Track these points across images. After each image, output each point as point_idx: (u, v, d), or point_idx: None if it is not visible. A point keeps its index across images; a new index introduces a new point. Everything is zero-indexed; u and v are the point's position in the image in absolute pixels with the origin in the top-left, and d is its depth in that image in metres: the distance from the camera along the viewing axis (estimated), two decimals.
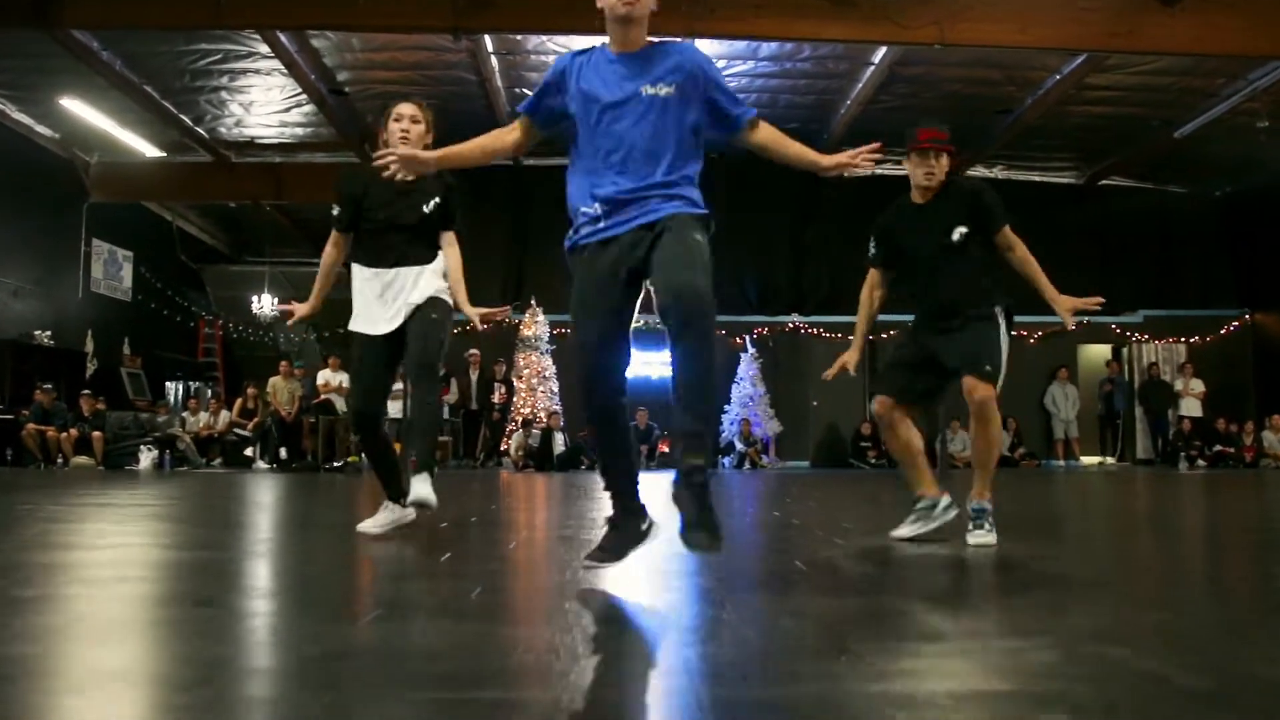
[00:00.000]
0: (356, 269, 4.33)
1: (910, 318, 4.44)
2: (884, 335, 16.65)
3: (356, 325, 4.29)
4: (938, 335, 4.22)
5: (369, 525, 4.22)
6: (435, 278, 4.27)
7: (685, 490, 2.68)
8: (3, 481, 10.05)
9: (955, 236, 4.16)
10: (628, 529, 3.02)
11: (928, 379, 4.28)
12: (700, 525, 2.64)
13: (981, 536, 4.05)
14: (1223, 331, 17.28)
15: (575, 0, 10.63)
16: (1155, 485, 10.70)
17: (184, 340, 20.55)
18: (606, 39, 2.97)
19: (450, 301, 4.33)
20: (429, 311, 4.21)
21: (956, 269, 4.18)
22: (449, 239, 4.35)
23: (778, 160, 3.15)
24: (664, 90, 2.87)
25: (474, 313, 4.39)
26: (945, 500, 4.24)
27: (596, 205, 2.86)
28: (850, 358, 4.38)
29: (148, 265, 18.92)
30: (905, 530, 4.22)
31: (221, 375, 20.71)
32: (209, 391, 18.34)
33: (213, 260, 21.89)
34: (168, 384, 18.89)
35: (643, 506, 3.05)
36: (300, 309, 4.50)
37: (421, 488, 3.99)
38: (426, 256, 4.28)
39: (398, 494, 4.23)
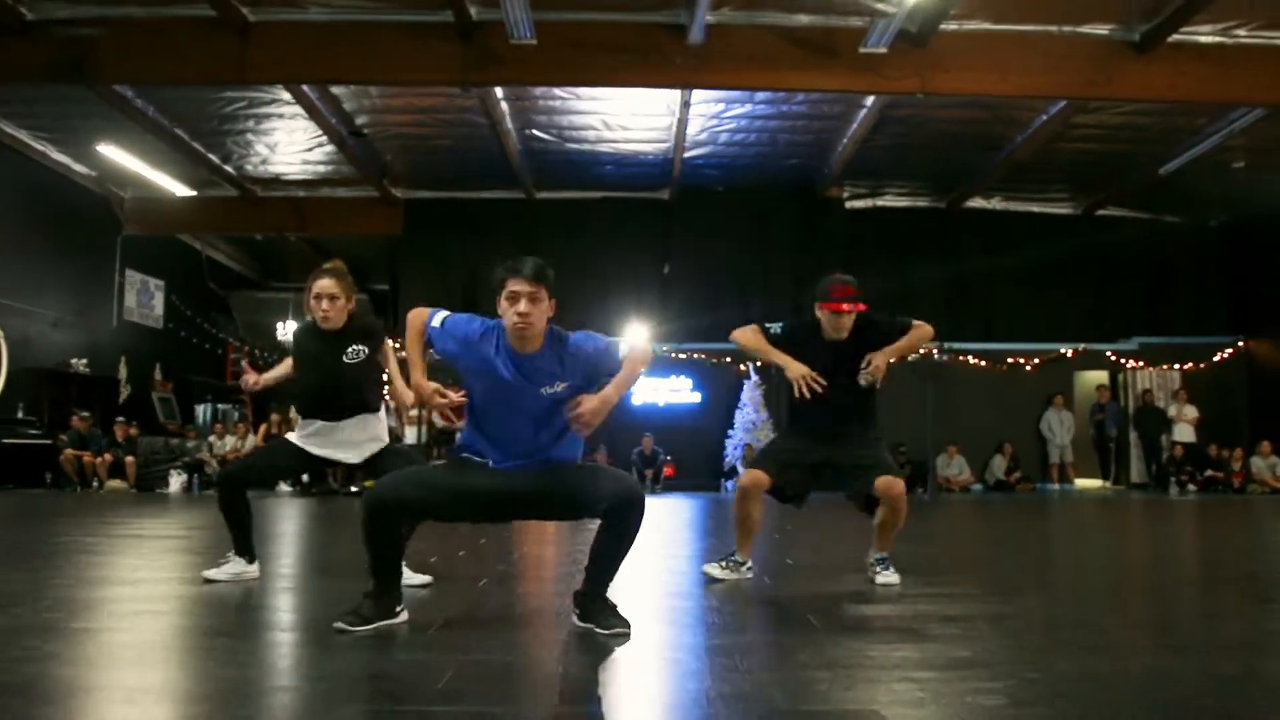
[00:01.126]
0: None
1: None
2: None
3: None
4: (831, 445, 4.75)
5: (214, 572, 4.66)
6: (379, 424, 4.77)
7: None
8: (44, 505, 10.81)
9: (863, 382, 4.68)
10: (384, 605, 3.50)
11: (810, 482, 4.86)
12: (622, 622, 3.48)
13: (888, 576, 4.69)
14: (1216, 359, 17.68)
15: (575, 58, 11.46)
16: (1158, 512, 11.15)
17: (213, 365, 21.38)
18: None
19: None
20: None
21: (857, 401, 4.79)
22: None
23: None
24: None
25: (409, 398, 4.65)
26: (750, 563, 4.97)
27: None
28: (803, 369, 4.69)
29: (178, 293, 19.77)
30: (716, 571, 4.89)
31: (249, 399, 21.50)
32: (235, 415, 19.11)
33: (240, 286, 22.76)
34: (197, 408, 19.69)
35: (400, 594, 3.59)
36: (256, 378, 5.02)
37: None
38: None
39: (246, 550, 4.70)
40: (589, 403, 3.48)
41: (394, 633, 3.41)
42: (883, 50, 11.16)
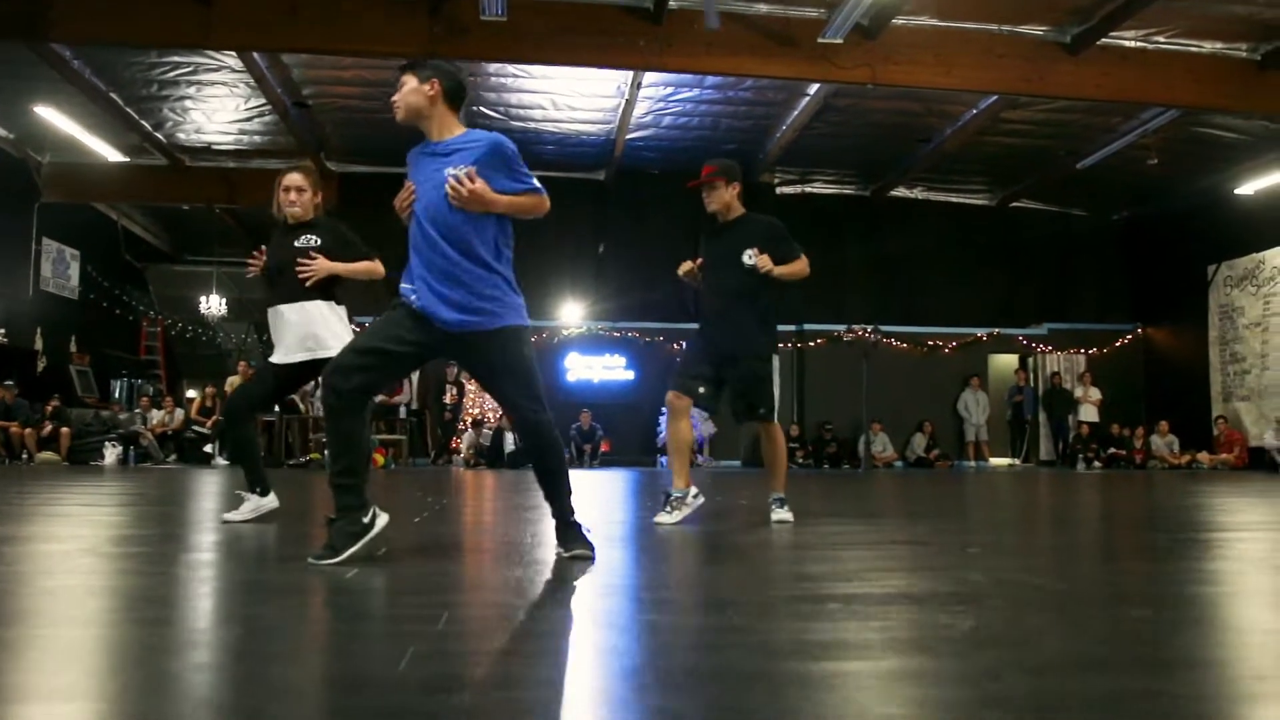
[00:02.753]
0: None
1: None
2: (812, 344, 17.82)
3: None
4: (721, 344, 5.22)
5: (234, 515, 4.78)
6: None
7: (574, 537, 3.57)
8: None
9: (746, 262, 5.10)
10: (354, 523, 3.38)
11: (716, 394, 5.26)
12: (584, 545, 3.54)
13: (782, 515, 5.19)
14: (1118, 344, 18.86)
15: (547, 35, 11.63)
16: (1061, 483, 11.95)
17: (128, 338, 20.81)
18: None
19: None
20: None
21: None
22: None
23: None
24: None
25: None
26: (694, 490, 5.19)
27: None
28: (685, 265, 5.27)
29: (94, 264, 19.18)
30: (665, 518, 4.99)
31: (163, 373, 21.01)
32: (150, 390, 18.67)
33: (156, 260, 22.14)
34: (112, 382, 19.17)
35: (367, 501, 3.42)
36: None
37: None
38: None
39: (259, 483, 4.85)
40: (479, 182, 3.37)
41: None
42: (839, 41, 11.63)
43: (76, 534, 4.57)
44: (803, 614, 2.61)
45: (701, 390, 5.14)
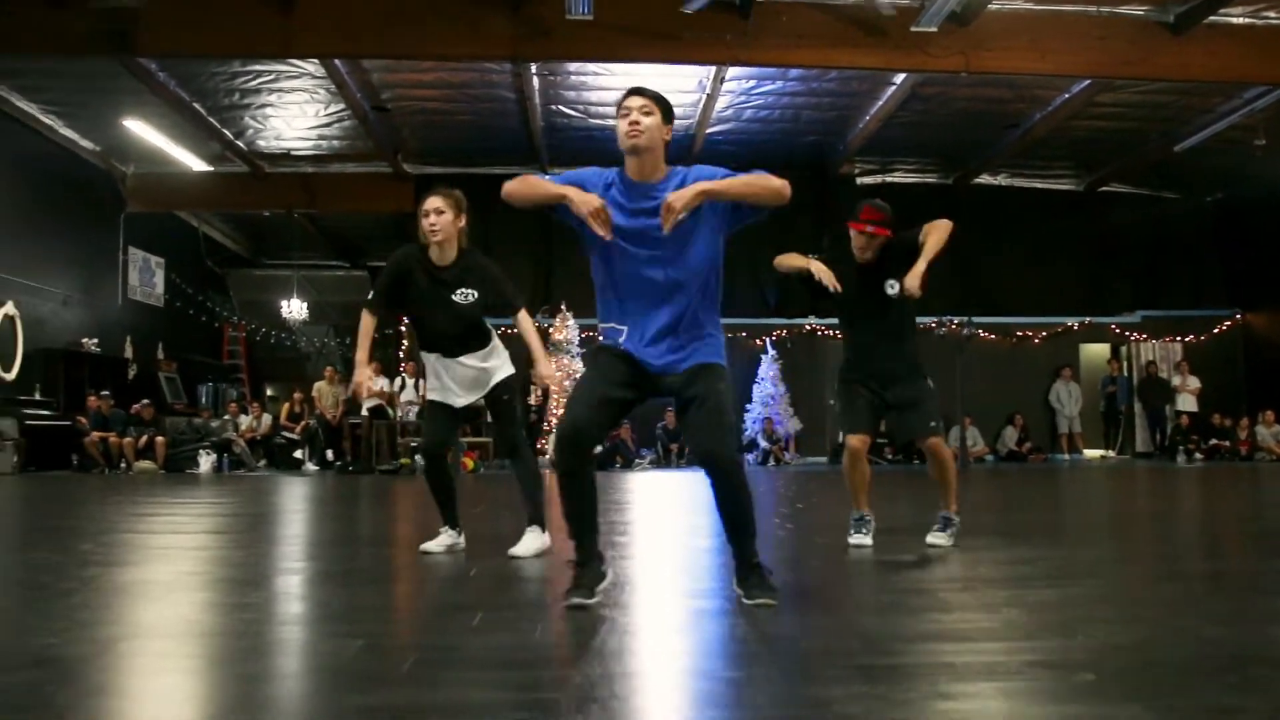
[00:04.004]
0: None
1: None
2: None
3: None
4: (879, 376, 5.02)
5: (431, 545, 4.78)
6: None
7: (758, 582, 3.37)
8: (96, 489, 10.63)
9: (889, 292, 4.93)
10: (593, 569, 3.40)
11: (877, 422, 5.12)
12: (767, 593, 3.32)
13: (936, 538, 5.00)
14: (1215, 331, 18.18)
15: (626, 32, 11.44)
16: (1163, 479, 11.51)
17: (211, 344, 21.13)
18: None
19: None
20: (502, 393, 4.89)
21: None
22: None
23: None
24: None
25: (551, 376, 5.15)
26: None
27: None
28: (819, 266, 4.87)
29: (178, 271, 19.47)
30: (865, 540, 4.96)
31: (246, 378, 21.30)
32: (233, 394, 18.89)
33: (237, 265, 22.44)
34: (198, 387, 19.43)
35: (601, 553, 3.47)
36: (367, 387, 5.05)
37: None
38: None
39: (454, 521, 4.84)
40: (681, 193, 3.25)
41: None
42: (932, 29, 11.29)
43: (185, 571, 4.51)
44: (827, 679, 2.45)
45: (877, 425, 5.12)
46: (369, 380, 5.02)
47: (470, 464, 14.18)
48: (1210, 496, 9.11)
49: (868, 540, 4.98)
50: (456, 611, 3.38)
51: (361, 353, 4.84)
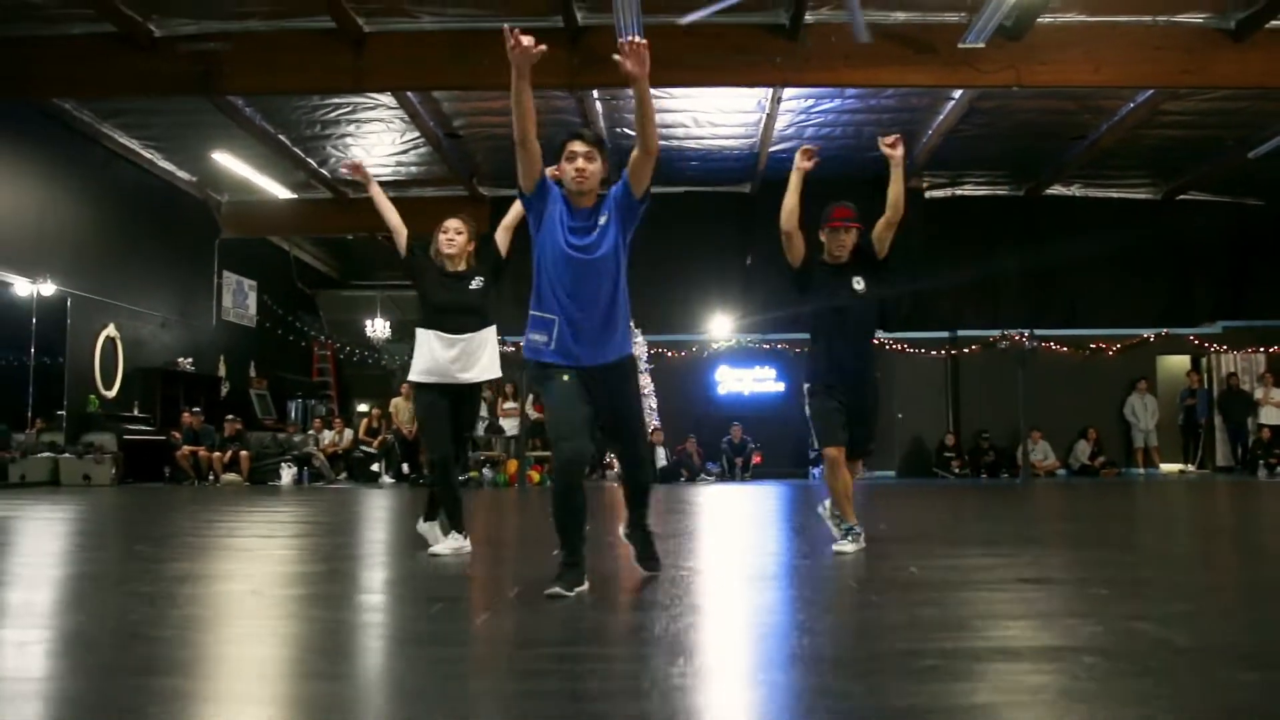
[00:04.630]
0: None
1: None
2: (966, 350, 17.34)
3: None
4: (851, 381, 5.30)
5: (439, 548, 5.19)
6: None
7: (638, 533, 4.24)
8: (185, 499, 11.36)
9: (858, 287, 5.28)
10: (577, 571, 3.80)
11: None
12: (649, 557, 4.28)
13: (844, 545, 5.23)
14: None
15: (683, 57, 11.78)
16: (1242, 494, 11.28)
17: (300, 362, 22.09)
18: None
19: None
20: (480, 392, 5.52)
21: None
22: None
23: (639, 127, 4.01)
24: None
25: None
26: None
27: None
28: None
29: (270, 293, 20.47)
30: (850, 547, 5.18)
31: (334, 394, 22.21)
32: (321, 410, 19.74)
33: (325, 286, 23.44)
34: (288, 403, 20.37)
35: (584, 558, 3.84)
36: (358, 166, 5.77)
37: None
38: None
39: (460, 526, 5.22)
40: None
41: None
42: (980, 45, 11.37)
43: (254, 571, 4.97)
44: (902, 672, 2.64)
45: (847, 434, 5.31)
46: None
47: (536, 476, 14.62)
48: (1271, 518, 9.00)
49: (850, 547, 5.17)
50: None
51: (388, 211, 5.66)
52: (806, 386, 5.39)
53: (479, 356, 5.24)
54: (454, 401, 5.22)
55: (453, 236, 5.31)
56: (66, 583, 4.52)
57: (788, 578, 4.61)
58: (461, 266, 5.33)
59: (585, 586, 3.80)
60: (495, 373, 5.37)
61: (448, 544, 5.18)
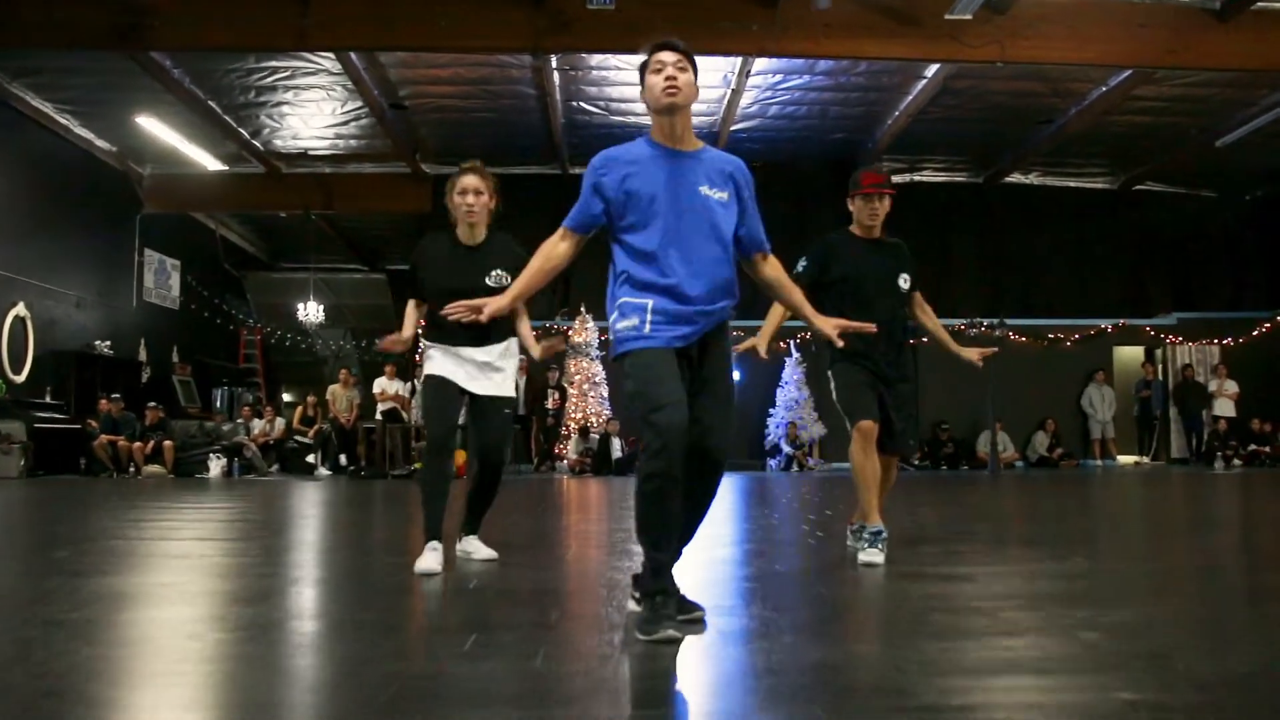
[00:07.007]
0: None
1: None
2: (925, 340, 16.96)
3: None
4: (883, 368, 4.56)
5: (425, 565, 4.10)
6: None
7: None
8: (92, 496, 10.33)
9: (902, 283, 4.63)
10: (677, 596, 2.96)
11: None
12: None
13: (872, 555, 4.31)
14: (1255, 333, 17.61)
15: (655, 24, 11.06)
16: (1201, 486, 11.01)
17: (227, 348, 20.90)
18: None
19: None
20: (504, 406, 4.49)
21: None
22: None
23: (778, 301, 3.49)
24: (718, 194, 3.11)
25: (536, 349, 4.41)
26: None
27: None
28: (760, 343, 4.43)
29: (194, 273, 19.26)
30: (879, 557, 4.28)
31: (262, 381, 21.05)
32: (249, 398, 18.63)
33: (253, 267, 22.21)
34: (213, 391, 19.20)
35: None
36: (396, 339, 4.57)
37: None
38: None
39: (438, 533, 4.24)
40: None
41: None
42: (967, 17, 10.88)
43: (196, 589, 4.16)
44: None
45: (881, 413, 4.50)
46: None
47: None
48: (1261, 503, 8.65)
49: (879, 558, 4.26)
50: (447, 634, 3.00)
51: (407, 328, 4.51)
52: (829, 359, 4.54)
53: (500, 367, 4.43)
54: (472, 408, 4.42)
55: (472, 200, 4.27)
56: None
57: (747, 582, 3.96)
58: (481, 236, 4.37)
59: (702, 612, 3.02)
60: (510, 389, 4.49)
61: (434, 558, 4.14)
